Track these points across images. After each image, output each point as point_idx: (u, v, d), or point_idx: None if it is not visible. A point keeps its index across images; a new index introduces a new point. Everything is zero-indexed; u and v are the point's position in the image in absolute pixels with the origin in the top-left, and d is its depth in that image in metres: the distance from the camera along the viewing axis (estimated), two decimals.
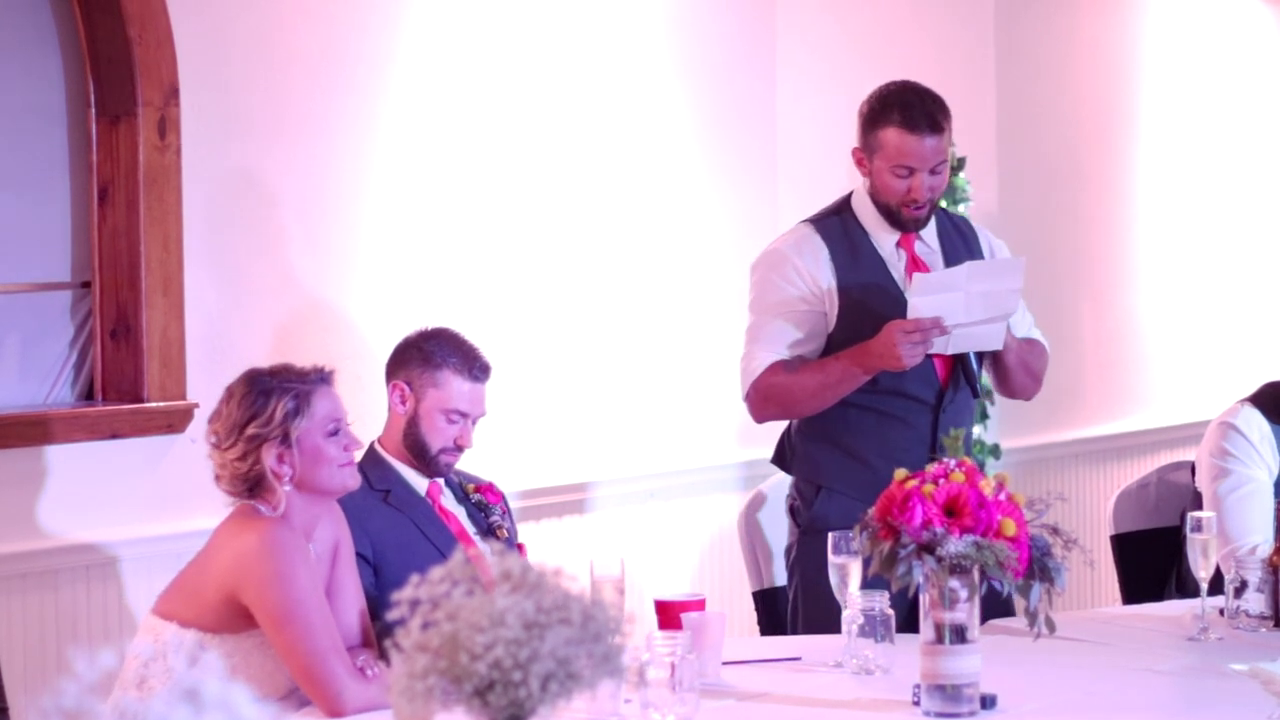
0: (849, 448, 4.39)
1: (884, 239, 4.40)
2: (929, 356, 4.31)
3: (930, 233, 4.44)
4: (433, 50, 5.19)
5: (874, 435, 4.37)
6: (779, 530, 4.69)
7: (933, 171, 4.32)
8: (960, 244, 4.49)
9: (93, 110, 4.59)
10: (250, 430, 3.56)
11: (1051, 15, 7.04)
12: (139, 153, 4.55)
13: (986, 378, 4.61)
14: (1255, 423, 4.53)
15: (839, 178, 6.25)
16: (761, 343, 4.40)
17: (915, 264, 4.40)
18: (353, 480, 3.65)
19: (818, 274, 4.36)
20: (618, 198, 5.70)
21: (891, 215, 4.37)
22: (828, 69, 6.26)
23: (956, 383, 4.41)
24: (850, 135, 6.25)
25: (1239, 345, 7.91)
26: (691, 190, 5.93)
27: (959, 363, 4.39)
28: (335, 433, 3.61)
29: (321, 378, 3.64)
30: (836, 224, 4.43)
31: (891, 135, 4.31)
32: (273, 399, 3.57)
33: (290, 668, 3.46)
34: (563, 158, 5.54)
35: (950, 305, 4.19)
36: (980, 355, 4.42)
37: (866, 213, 4.41)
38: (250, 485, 3.58)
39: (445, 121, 5.22)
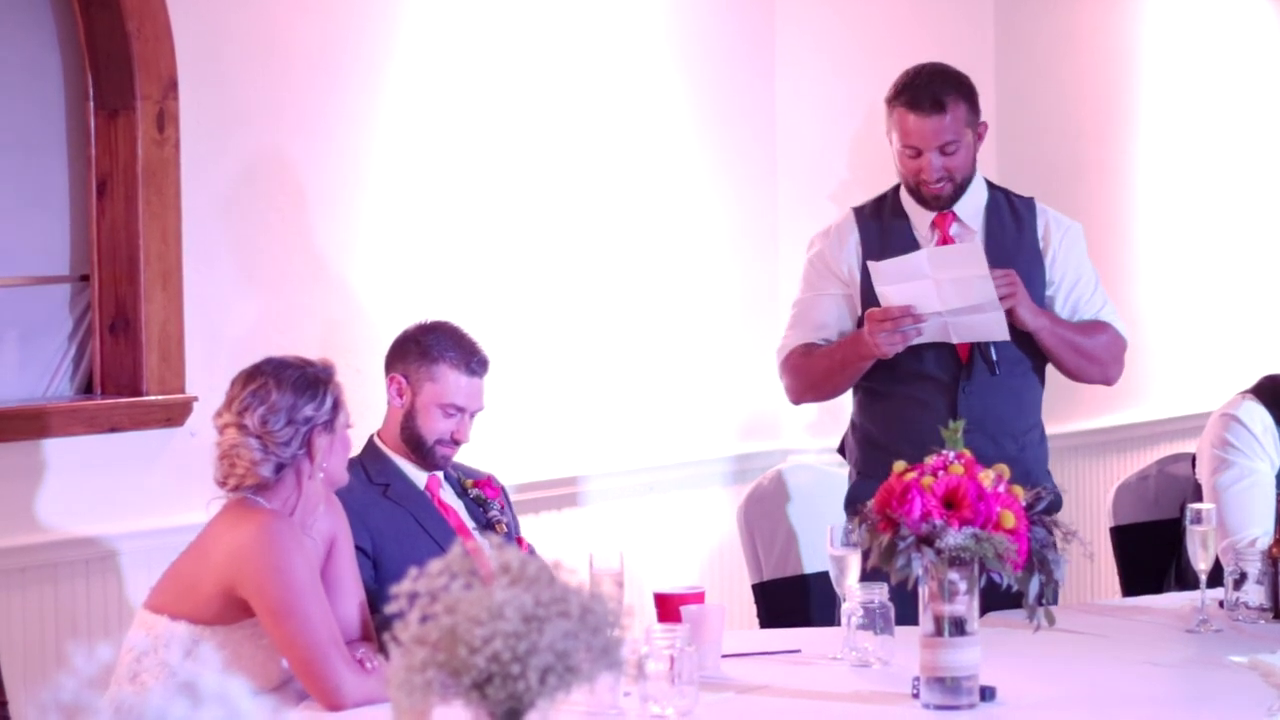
0: (877, 435, 4.48)
1: (920, 220, 4.46)
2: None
3: (972, 211, 4.47)
4: (432, 45, 5.19)
5: (897, 420, 4.44)
6: (781, 522, 4.70)
7: (943, 151, 4.36)
8: (1010, 224, 4.49)
9: (91, 104, 4.59)
10: (305, 413, 3.56)
11: (1051, 9, 7.02)
12: (137, 146, 4.54)
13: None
14: (1257, 415, 4.52)
15: (839, 174, 6.25)
16: (792, 326, 4.56)
17: (945, 243, 4.42)
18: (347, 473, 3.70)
19: (842, 260, 4.48)
20: (616, 193, 5.70)
21: (916, 194, 4.43)
22: (827, 64, 6.25)
23: (977, 363, 4.42)
24: (850, 131, 6.27)
25: (1238, 338, 7.91)
26: (690, 186, 5.92)
27: (976, 345, 4.42)
28: (349, 425, 3.66)
29: (334, 370, 3.68)
30: (876, 207, 4.54)
31: (899, 117, 4.43)
32: (319, 387, 3.61)
33: (289, 660, 3.46)
34: (561, 154, 5.53)
35: (921, 293, 4.23)
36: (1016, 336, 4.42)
37: (906, 194, 4.47)
38: (277, 470, 3.56)
39: (444, 116, 5.22)
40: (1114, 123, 7.36)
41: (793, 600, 4.75)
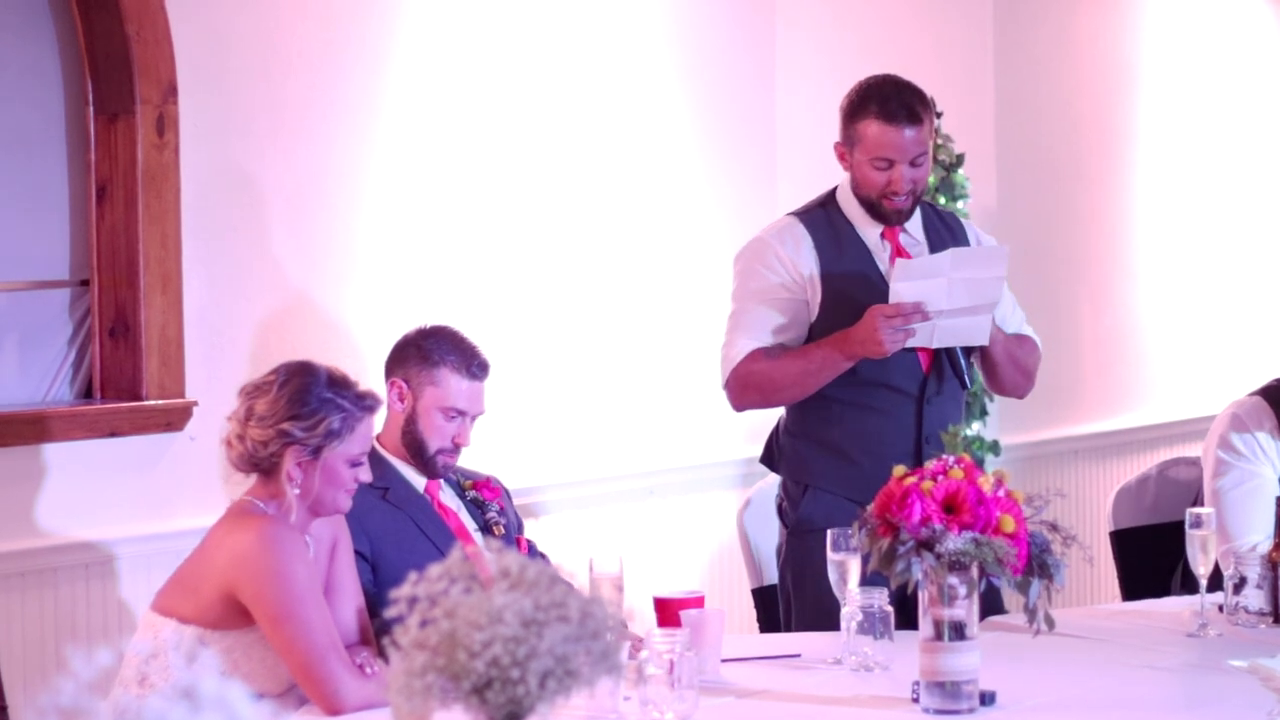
0: (833, 444, 4.38)
1: (869, 230, 4.41)
2: (911, 349, 4.30)
3: (915, 225, 4.44)
4: (431, 48, 5.19)
5: (857, 430, 4.36)
6: (767, 531, 4.68)
7: (913, 163, 4.32)
8: (947, 236, 4.48)
9: (91, 108, 4.59)
10: (288, 426, 3.54)
11: (1050, 11, 7.03)
12: (137, 151, 4.54)
13: (979, 374, 4.60)
14: (1263, 418, 4.52)
15: (838, 176, 6.25)
16: (742, 330, 4.39)
17: (900, 254, 4.40)
18: (347, 505, 3.65)
19: (800, 262, 4.37)
20: (617, 196, 5.70)
21: (873, 208, 4.37)
22: (827, 66, 6.25)
23: (941, 374, 4.40)
24: None
25: (1238, 341, 7.91)
26: (690, 188, 5.93)
27: (944, 354, 4.38)
28: (356, 464, 3.61)
29: (370, 406, 3.64)
30: (821, 215, 4.43)
31: (870, 128, 4.32)
32: (324, 410, 3.56)
33: (288, 665, 3.45)
34: (561, 157, 5.53)
35: (933, 291, 4.19)
36: (968, 349, 4.41)
37: (851, 206, 4.41)
38: (255, 467, 3.57)
39: (444, 119, 5.22)
40: (1113, 123, 7.36)
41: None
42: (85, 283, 4.62)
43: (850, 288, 4.32)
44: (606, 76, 5.67)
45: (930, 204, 4.56)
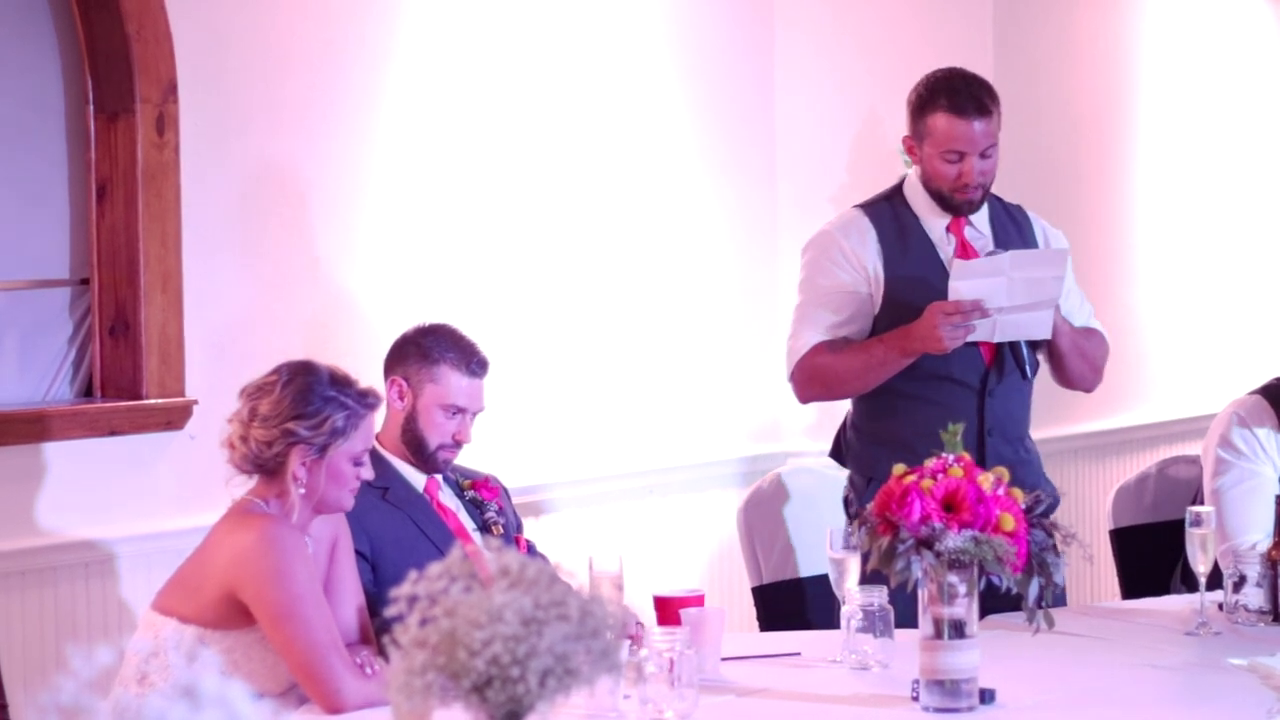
0: (897, 437, 4.40)
1: (934, 224, 4.44)
2: (973, 342, 4.32)
3: (982, 218, 4.47)
4: (432, 46, 5.19)
5: (920, 423, 4.37)
6: (780, 525, 4.69)
7: (983, 155, 4.37)
8: (1013, 230, 4.50)
9: (91, 107, 4.59)
10: (293, 425, 3.55)
11: (1049, 12, 7.03)
12: (137, 150, 4.54)
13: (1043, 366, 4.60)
14: (1264, 416, 4.52)
15: (838, 177, 6.25)
16: (807, 323, 4.44)
17: (965, 248, 4.42)
18: (350, 503, 3.66)
19: (864, 256, 4.41)
20: (618, 195, 5.70)
21: (944, 200, 4.41)
22: (827, 67, 6.26)
23: (1002, 366, 4.42)
24: (849, 134, 6.27)
25: (1238, 340, 7.91)
26: (691, 187, 5.93)
27: (1006, 346, 4.40)
28: (359, 463, 3.62)
29: (372, 404, 3.65)
30: (886, 208, 4.48)
31: (940, 121, 4.36)
32: (329, 408, 3.56)
33: (289, 664, 3.46)
34: (562, 157, 5.53)
35: (992, 289, 4.22)
36: (1034, 342, 4.42)
37: (918, 199, 4.45)
38: (259, 468, 3.57)
39: (445, 118, 5.22)
40: (1113, 124, 7.36)
41: (793, 603, 4.74)
42: (85, 281, 4.62)
43: (913, 282, 4.35)
44: (606, 76, 5.67)
45: (998, 197, 4.58)
